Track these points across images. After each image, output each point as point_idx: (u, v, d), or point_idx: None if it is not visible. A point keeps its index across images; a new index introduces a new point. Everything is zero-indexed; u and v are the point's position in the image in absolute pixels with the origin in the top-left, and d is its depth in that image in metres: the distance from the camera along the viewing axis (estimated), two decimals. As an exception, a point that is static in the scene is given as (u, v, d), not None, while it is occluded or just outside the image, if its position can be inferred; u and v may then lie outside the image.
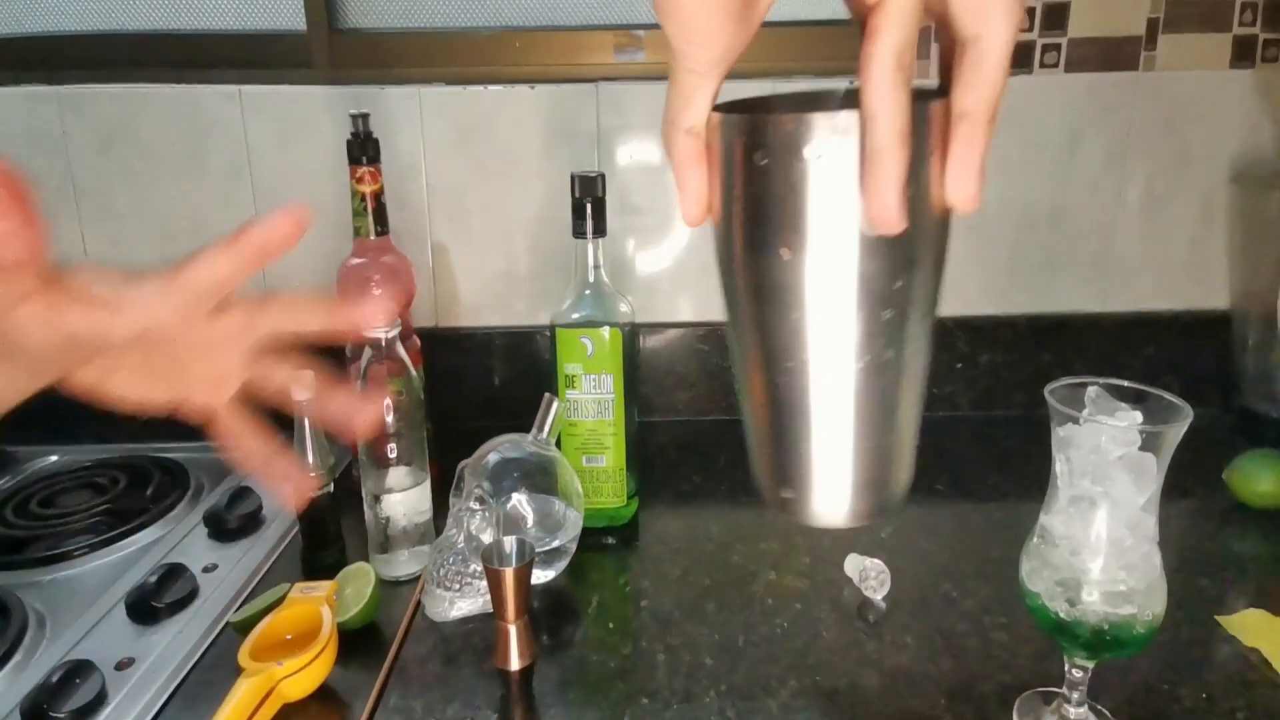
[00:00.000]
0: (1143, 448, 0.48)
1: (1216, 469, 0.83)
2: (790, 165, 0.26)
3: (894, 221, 0.25)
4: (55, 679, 0.58)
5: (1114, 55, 0.93)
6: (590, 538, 0.77)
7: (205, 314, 0.37)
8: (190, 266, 0.35)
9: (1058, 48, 0.93)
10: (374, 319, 0.40)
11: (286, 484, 0.43)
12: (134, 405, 0.39)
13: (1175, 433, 0.48)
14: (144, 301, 0.35)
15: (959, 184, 0.26)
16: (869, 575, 0.70)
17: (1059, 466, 0.51)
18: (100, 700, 0.58)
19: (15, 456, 0.96)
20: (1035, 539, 0.53)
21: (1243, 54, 0.94)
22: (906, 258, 0.27)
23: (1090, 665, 0.53)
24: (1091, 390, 0.51)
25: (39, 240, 0.34)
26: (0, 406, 0.36)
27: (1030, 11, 0.92)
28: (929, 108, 0.26)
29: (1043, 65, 0.93)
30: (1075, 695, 0.54)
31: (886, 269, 0.27)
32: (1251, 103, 0.96)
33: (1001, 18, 0.25)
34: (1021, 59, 0.93)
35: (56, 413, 1.04)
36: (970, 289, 1.00)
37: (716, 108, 0.28)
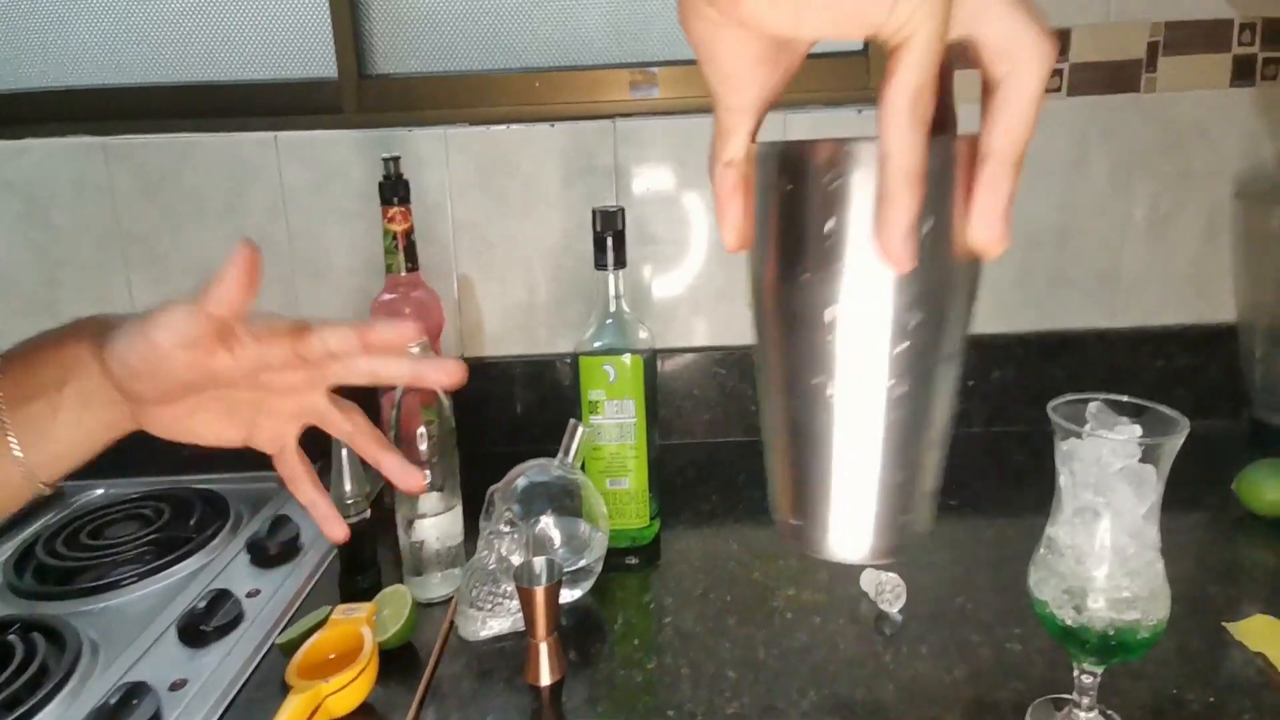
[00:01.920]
0: (1142, 459, 0.50)
1: (1226, 479, 0.84)
2: (811, 192, 0.26)
3: (900, 259, 0.25)
4: (114, 700, 0.62)
5: (1115, 78, 0.96)
6: (614, 558, 0.80)
7: (304, 364, 0.41)
8: (319, 333, 0.40)
9: (1060, 72, 0.96)
10: (447, 373, 0.43)
11: (326, 524, 0.47)
12: (210, 441, 0.43)
13: (1173, 444, 0.50)
14: (263, 347, 0.40)
15: (982, 225, 0.26)
16: (885, 589, 0.72)
17: (1063, 479, 0.53)
18: (157, 719, 0.62)
19: (63, 491, 1.00)
20: (1042, 549, 0.55)
21: (1242, 73, 0.96)
22: (924, 294, 0.27)
23: (1098, 671, 0.55)
24: (1093, 406, 0.53)
25: (247, 308, 0.39)
26: (103, 441, 0.40)
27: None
28: (954, 146, 0.25)
29: (1047, 90, 0.96)
30: (1085, 700, 0.56)
31: (903, 303, 0.26)
32: (1252, 120, 0.98)
33: (1032, 58, 0.25)
34: (1022, 85, 0.96)
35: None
36: (980, 307, 1.02)
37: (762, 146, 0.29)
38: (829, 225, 0.26)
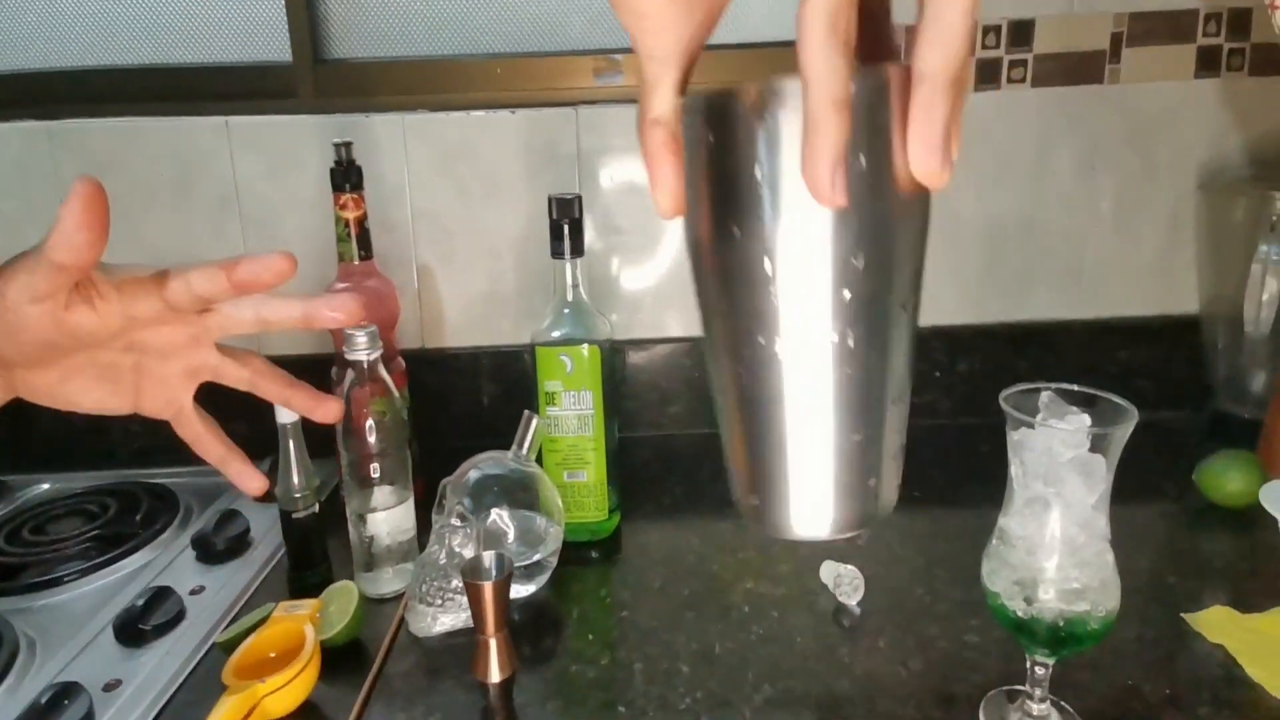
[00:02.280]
0: (1092, 449, 0.49)
1: (1188, 470, 0.84)
2: (740, 138, 0.25)
3: (829, 195, 0.23)
4: (44, 700, 0.59)
5: (1080, 69, 0.95)
6: (573, 551, 0.78)
7: (179, 317, 0.39)
8: (181, 275, 0.37)
9: (1024, 63, 0.95)
10: (343, 309, 0.40)
11: (243, 479, 0.44)
12: (91, 408, 0.40)
13: (1122, 433, 0.49)
14: (127, 300, 0.37)
15: (920, 154, 0.24)
16: (843, 581, 0.71)
17: (1014, 470, 0.52)
18: (89, 720, 0.60)
19: (9, 485, 0.98)
20: (994, 540, 0.54)
21: (1207, 64, 0.96)
22: (866, 235, 0.25)
23: (1050, 662, 0.54)
24: (1044, 396, 0.52)
25: (97, 254, 0.35)
26: None
27: (996, 29, 0.94)
28: (886, 72, 0.24)
29: (1010, 81, 0.95)
30: (1038, 692, 0.56)
31: (844, 246, 0.25)
32: (1216, 111, 0.98)
33: None
34: (989, 75, 0.95)
35: (48, 441, 1.06)
36: (947, 299, 1.02)
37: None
38: (758, 171, 0.24)
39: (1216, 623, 0.66)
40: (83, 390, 0.40)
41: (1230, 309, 0.92)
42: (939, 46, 0.23)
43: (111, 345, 0.40)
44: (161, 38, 1.03)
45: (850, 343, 0.26)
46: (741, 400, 0.28)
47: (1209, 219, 0.98)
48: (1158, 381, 1.02)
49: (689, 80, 0.28)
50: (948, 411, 1.04)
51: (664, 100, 0.27)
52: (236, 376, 0.43)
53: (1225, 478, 0.81)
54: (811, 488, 0.27)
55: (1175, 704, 0.58)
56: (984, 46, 0.94)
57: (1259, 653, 0.62)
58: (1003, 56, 0.95)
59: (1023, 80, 0.96)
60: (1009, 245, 1.01)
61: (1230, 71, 0.96)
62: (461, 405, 1.03)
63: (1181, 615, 0.67)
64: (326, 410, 0.44)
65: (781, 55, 1.01)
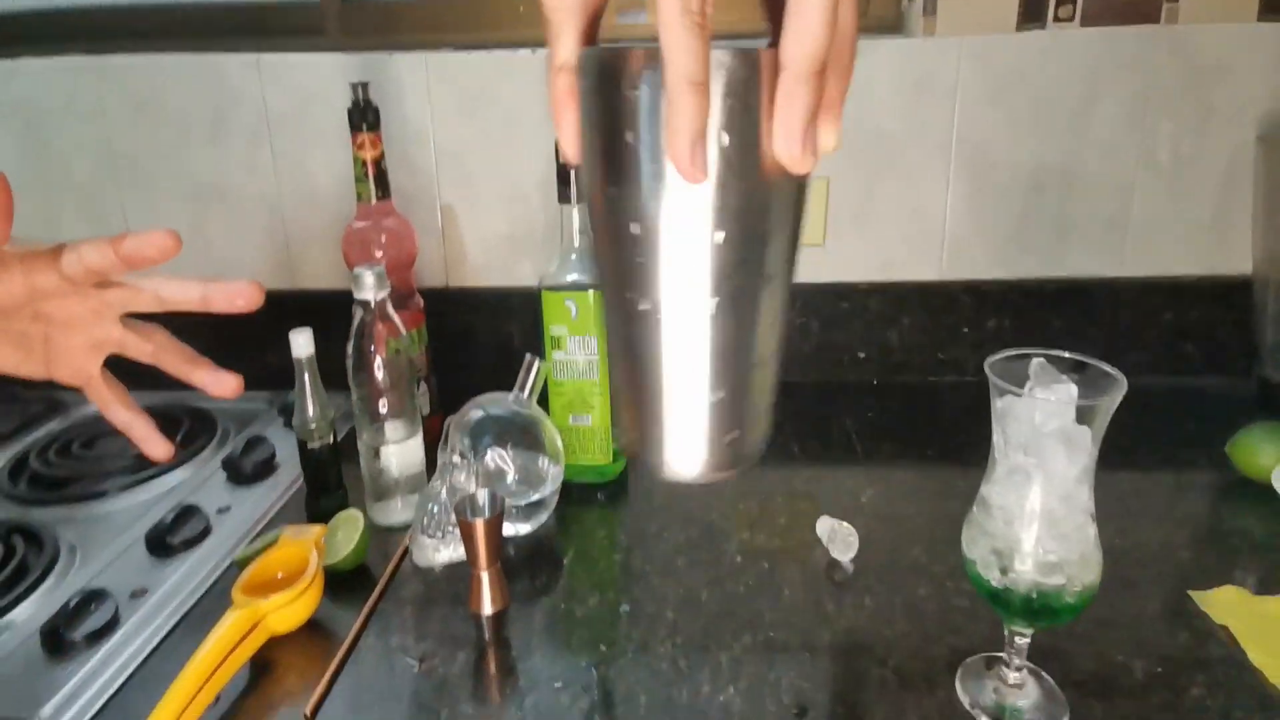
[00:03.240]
0: (1078, 420, 0.48)
1: (1227, 440, 0.80)
2: (618, 101, 0.25)
3: (689, 170, 0.24)
4: (73, 604, 0.65)
5: (1133, 8, 0.88)
6: (580, 493, 0.80)
7: (80, 291, 0.41)
8: (74, 248, 0.39)
9: (1074, 1, 0.89)
10: (242, 296, 0.42)
11: (147, 445, 0.47)
12: (9, 371, 0.43)
13: (1109, 404, 0.47)
14: (28, 272, 0.39)
15: (781, 139, 0.25)
16: (837, 537, 0.71)
17: (997, 439, 0.51)
18: (112, 625, 0.65)
19: (64, 403, 1.04)
20: (975, 508, 0.54)
21: (1272, 4, 0.88)
22: (730, 210, 0.26)
23: (1028, 632, 0.54)
24: (1035, 363, 0.50)
25: (5, 239, 0.38)
26: None
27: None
28: (758, 56, 0.24)
29: (1057, 20, 0.89)
30: (1015, 661, 0.55)
31: (707, 219, 0.26)
32: (1279, 58, 0.90)
33: None
34: (1035, 13, 0.89)
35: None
36: (975, 252, 0.98)
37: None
38: (630, 136, 0.25)
39: (1225, 603, 0.64)
40: (1, 356, 0.43)
41: (1286, 272, 0.86)
42: (799, 39, 0.24)
43: (19, 315, 0.42)
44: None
45: (712, 309, 0.27)
46: (618, 350, 0.30)
47: (1268, 173, 0.91)
48: (1204, 345, 0.96)
49: (595, 29, 0.28)
50: (974, 369, 1.01)
51: (566, 48, 0.28)
52: (139, 349, 0.45)
53: (1260, 451, 0.77)
54: (679, 436, 0.29)
55: (1164, 683, 0.57)
56: (1035, -18, 0.88)
57: (1266, 638, 0.60)
58: (1054, -7, 0.89)
59: (1071, 19, 0.89)
60: (1047, 196, 0.96)
61: (1304, 12, 0.88)
62: (483, 344, 1.05)
63: (1188, 592, 0.65)
64: (225, 386, 0.45)
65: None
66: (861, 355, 1.02)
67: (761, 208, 0.26)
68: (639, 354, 0.29)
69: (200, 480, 0.86)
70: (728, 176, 0.25)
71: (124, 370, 0.47)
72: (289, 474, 0.86)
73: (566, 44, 0.28)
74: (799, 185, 0.27)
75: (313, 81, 0.98)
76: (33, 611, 0.68)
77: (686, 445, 0.30)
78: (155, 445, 0.47)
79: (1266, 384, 0.91)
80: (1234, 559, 0.70)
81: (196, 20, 1.03)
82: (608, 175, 0.27)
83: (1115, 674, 0.58)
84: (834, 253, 1.00)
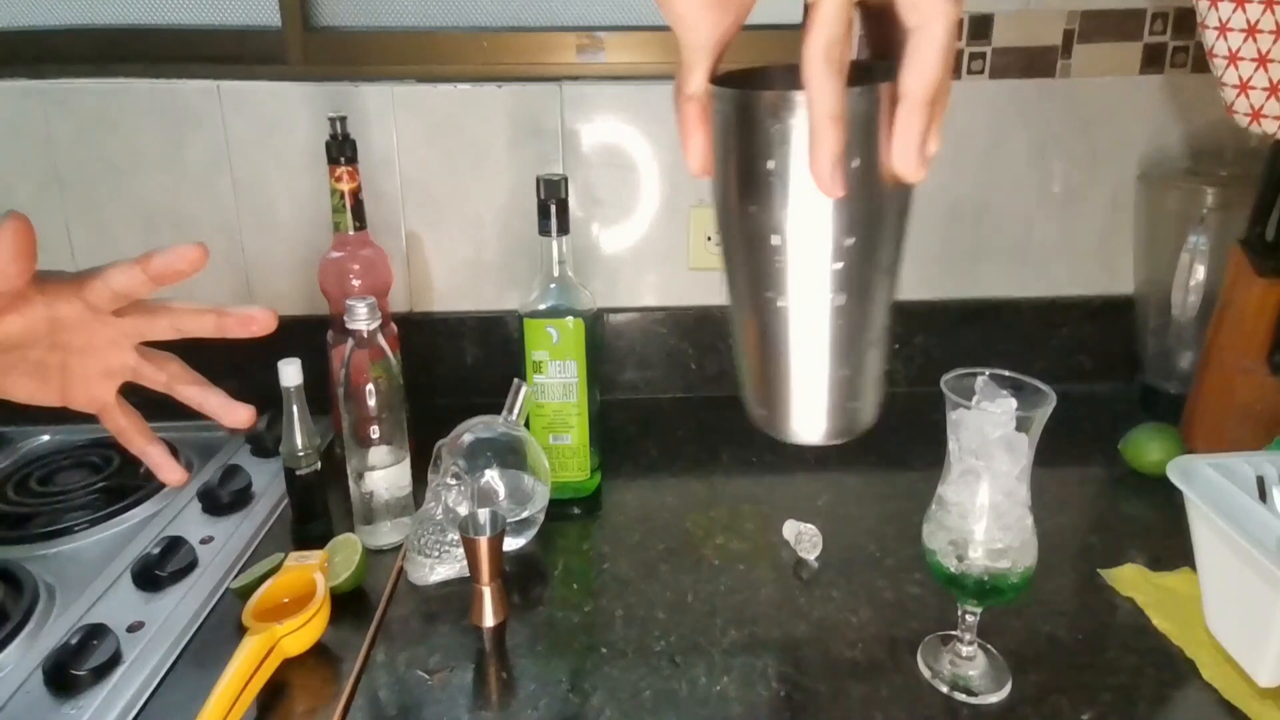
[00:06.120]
0: (1017, 428, 0.57)
1: (1118, 440, 0.93)
2: (758, 135, 0.31)
3: (831, 188, 0.29)
4: (74, 640, 0.65)
5: (1034, 63, 1.01)
6: (557, 509, 0.85)
7: (99, 318, 0.42)
8: (99, 275, 0.41)
9: (984, 56, 1.01)
10: (256, 322, 0.43)
11: (162, 471, 0.48)
12: (24, 399, 0.44)
13: (1043, 414, 0.57)
14: (50, 304, 0.40)
15: (901, 155, 0.30)
16: (804, 538, 0.79)
17: (951, 445, 0.60)
18: (116, 659, 0.65)
19: (8, 437, 1.01)
20: (934, 506, 0.62)
21: (1152, 60, 1.02)
22: (858, 219, 0.32)
23: (978, 610, 0.63)
24: (979, 380, 0.59)
25: (29, 279, 0.40)
26: None
27: (959, 23, 0.99)
28: (877, 91, 0.30)
29: (970, 72, 1.01)
30: (967, 636, 0.64)
31: (839, 227, 0.31)
32: (1158, 106, 1.05)
33: (937, 10, 0.29)
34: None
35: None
36: (907, 276, 1.08)
37: (720, 78, 0.33)
38: (771, 164, 0.31)
39: (1129, 579, 0.75)
40: (15, 384, 0.43)
41: (1161, 292, 1.00)
42: (919, 75, 0.29)
43: (38, 345, 0.43)
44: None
45: (840, 301, 0.33)
46: (754, 338, 0.36)
47: (1146, 208, 1.05)
48: (1094, 356, 1.10)
49: (720, 63, 0.34)
50: (904, 381, 1.11)
51: (697, 81, 0.33)
52: (153, 379, 0.46)
53: (1147, 448, 0.90)
54: (808, 408, 0.36)
55: (1088, 648, 0.67)
56: (950, 37, 1.00)
57: (1166, 607, 0.71)
58: (964, 48, 1.01)
59: (982, 71, 1.01)
60: (963, 226, 1.08)
61: (1174, 68, 1.03)
62: (448, 366, 1.09)
63: (1098, 571, 0.76)
64: (237, 417, 0.46)
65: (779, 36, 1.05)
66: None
67: (882, 213, 0.32)
68: (775, 342, 0.34)
69: (174, 512, 0.86)
70: (857, 190, 0.31)
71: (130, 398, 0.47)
72: (268, 502, 0.87)
73: (698, 77, 0.33)
74: (909, 194, 0.33)
75: (277, 110, 0.99)
76: (21, 654, 0.67)
77: (815, 415, 0.36)
78: (170, 472, 0.48)
79: (1148, 390, 1.05)
80: (1131, 541, 0.81)
81: (150, 44, 1.03)
82: (747, 195, 0.32)
83: (1047, 644, 0.68)
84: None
